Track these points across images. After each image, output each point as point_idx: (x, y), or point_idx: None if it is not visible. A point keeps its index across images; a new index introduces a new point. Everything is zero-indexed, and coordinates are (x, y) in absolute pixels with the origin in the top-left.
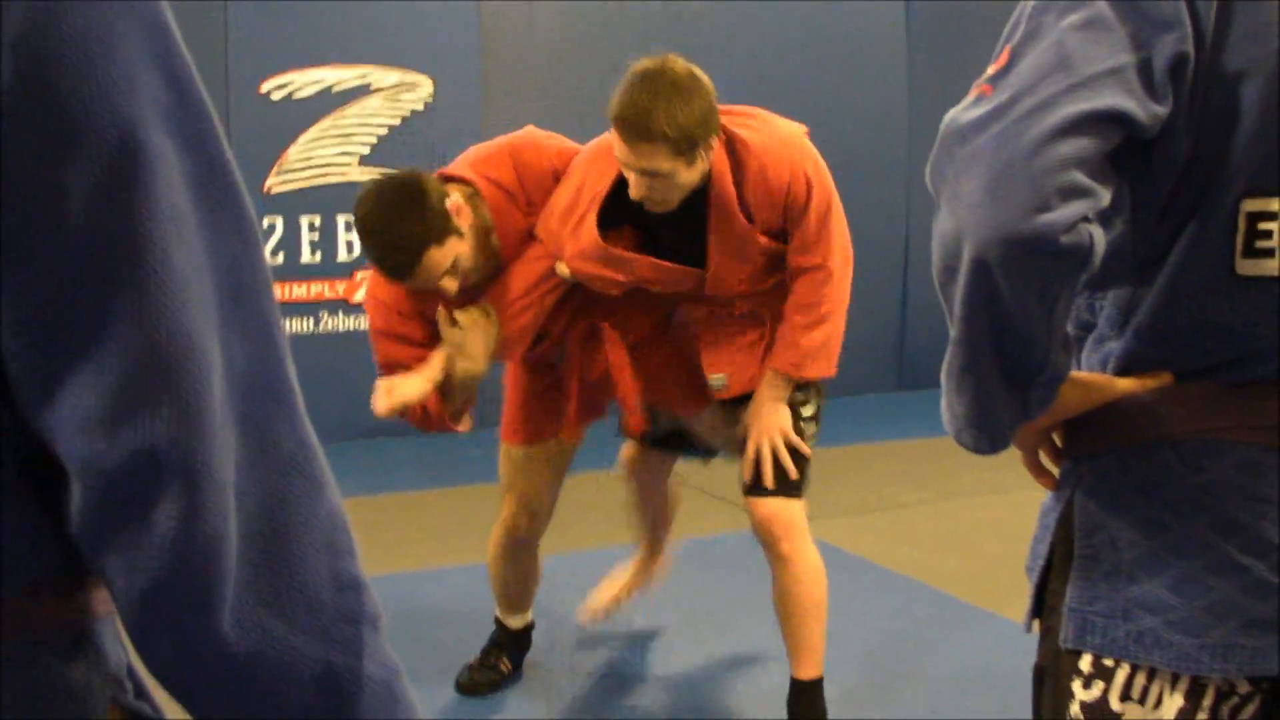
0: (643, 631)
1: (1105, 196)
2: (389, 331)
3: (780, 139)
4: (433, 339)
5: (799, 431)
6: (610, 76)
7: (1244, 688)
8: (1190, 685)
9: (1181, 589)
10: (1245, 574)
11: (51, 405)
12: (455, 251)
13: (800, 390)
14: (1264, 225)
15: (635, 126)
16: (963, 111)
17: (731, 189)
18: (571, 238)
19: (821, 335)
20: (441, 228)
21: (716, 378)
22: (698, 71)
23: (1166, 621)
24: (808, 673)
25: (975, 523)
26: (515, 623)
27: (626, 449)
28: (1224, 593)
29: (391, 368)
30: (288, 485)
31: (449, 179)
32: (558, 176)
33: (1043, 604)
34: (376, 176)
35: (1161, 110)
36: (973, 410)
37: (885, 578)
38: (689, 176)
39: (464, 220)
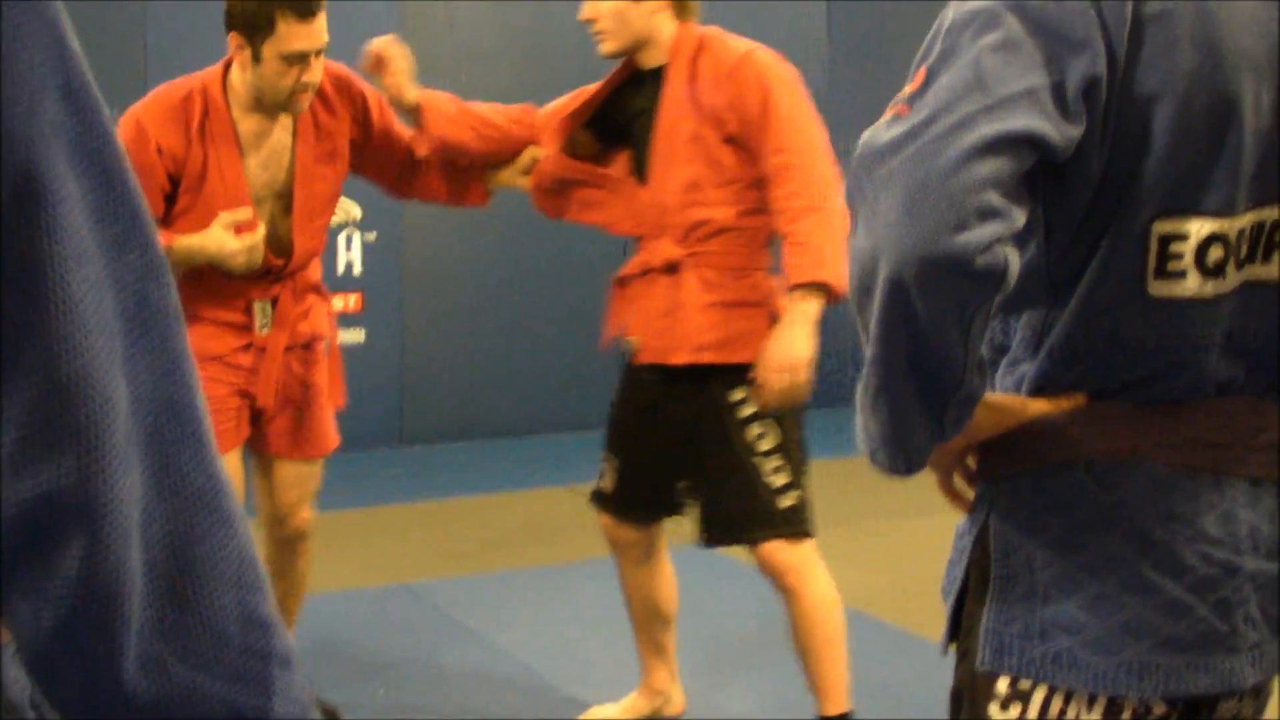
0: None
1: (1020, 218)
2: (132, 159)
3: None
4: (160, 197)
5: (757, 468)
6: (526, 76)
7: (1160, 708)
8: (1107, 705)
9: (1096, 608)
10: (1159, 593)
11: None
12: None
13: (754, 417)
14: (1175, 247)
15: None
16: (879, 131)
17: (686, 69)
18: (552, 134)
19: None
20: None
21: (630, 339)
22: None
23: (1082, 642)
24: (829, 709)
25: (894, 543)
26: None
27: (609, 529)
28: (1137, 611)
29: None
30: (195, 521)
31: None
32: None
33: (959, 627)
34: None
35: (1075, 132)
36: (888, 431)
37: None
38: (634, 12)
39: None
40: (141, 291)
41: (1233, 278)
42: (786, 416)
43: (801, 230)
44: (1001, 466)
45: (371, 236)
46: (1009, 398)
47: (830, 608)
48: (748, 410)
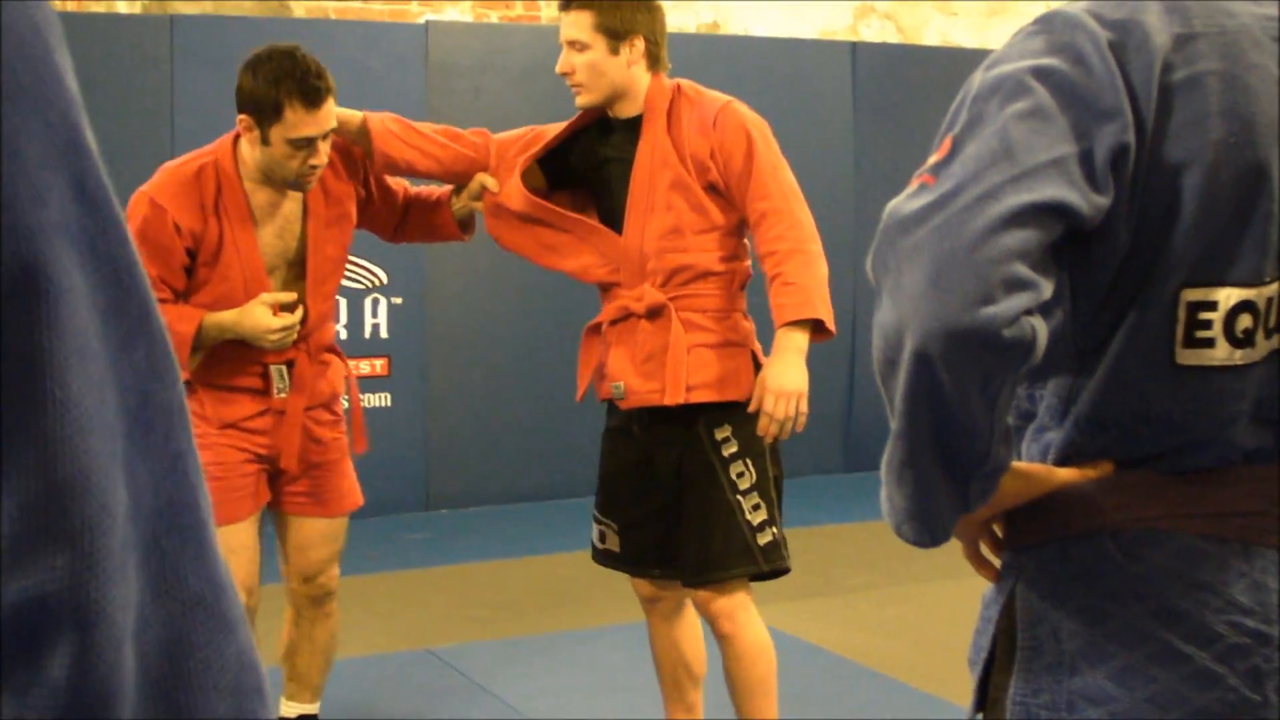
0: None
1: (1047, 289)
2: (151, 238)
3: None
4: (181, 273)
5: (736, 505)
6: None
7: None
8: None
9: (1124, 679)
10: (1187, 663)
11: None
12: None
13: (735, 455)
14: (1204, 315)
15: None
16: (905, 201)
17: (663, 119)
18: (510, 170)
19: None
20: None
21: (615, 385)
22: None
23: (1110, 713)
24: None
25: (923, 607)
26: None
27: (635, 584)
28: (1166, 683)
29: None
30: (192, 627)
31: None
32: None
33: (986, 696)
34: None
35: (1103, 201)
36: (913, 503)
37: (832, 663)
38: (611, 65)
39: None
40: (145, 391)
41: (1262, 346)
42: (765, 455)
43: (789, 271)
44: (1028, 535)
45: (398, 301)
46: (1036, 466)
47: (764, 651)
48: (731, 448)
